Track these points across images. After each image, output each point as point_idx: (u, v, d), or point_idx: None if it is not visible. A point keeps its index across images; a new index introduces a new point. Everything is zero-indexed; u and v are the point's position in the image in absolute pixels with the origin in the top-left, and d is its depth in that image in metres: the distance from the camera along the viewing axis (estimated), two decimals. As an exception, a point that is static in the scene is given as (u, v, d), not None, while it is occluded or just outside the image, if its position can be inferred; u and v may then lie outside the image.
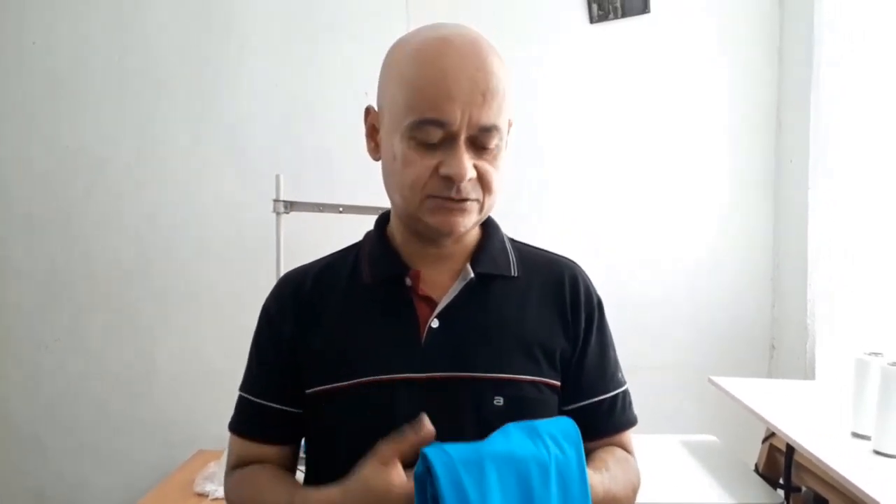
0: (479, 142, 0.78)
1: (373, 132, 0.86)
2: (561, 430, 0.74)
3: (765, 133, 2.38)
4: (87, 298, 2.44)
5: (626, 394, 0.94)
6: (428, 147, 0.77)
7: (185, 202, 2.43)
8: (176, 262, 2.43)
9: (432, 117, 0.76)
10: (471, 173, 0.77)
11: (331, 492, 0.76)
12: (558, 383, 0.87)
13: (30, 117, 2.43)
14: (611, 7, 2.36)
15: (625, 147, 2.39)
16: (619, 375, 0.94)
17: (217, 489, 2.01)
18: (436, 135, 0.76)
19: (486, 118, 0.77)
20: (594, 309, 0.92)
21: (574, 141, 2.40)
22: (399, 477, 0.71)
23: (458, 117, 0.75)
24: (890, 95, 2.05)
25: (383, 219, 0.93)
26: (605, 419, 0.91)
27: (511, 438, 0.71)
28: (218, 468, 2.10)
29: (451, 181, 0.77)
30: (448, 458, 0.67)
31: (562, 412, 0.88)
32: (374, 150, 0.87)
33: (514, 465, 0.68)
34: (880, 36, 2.05)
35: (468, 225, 0.82)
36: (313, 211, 1.88)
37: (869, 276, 2.07)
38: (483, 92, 0.76)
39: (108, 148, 2.42)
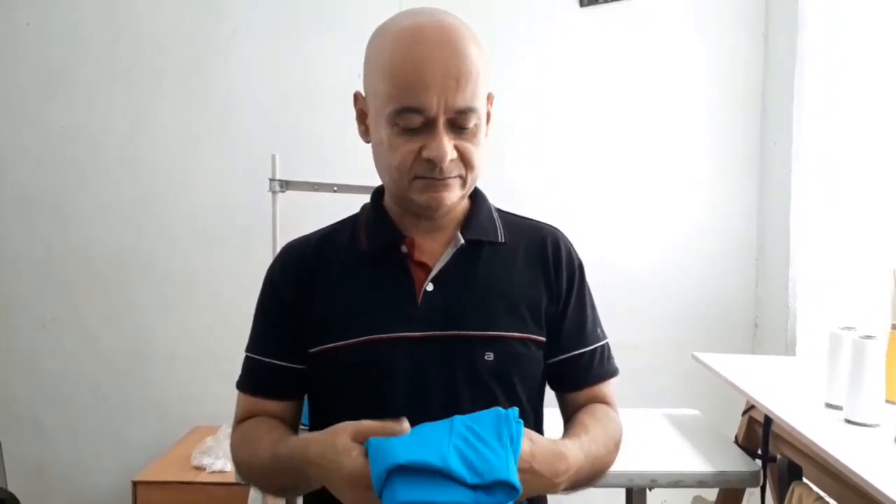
0: (458, 123, 0.84)
1: (362, 116, 0.92)
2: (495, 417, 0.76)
3: (750, 116, 2.42)
4: (82, 279, 2.47)
5: (605, 347, 1.02)
6: (410, 132, 0.83)
7: (178, 184, 2.45)
8: (170, 244, 2.46)
9: (411, 105, 0.82)
10: (451, 154, 0.84)
11: (307, 440, 0.80)
12: (543, 339, 0.94)
13: (23, 99, 2.44)
14: (601, -9, 2.39)
15: (612, 129, 2.43)
16: (599, 331, 1.01)
17: (214, 462, 2.06)
18: (416, 121, 0.82)
19: (462, 102, 0.82)
20: (575, 270, 0.99)
21: (562, 122, 2.43)
22: (354, 457, 0.73)
23: (434, 104, 0.81)
24: (872, 80, 2.09)
25: (379, 192, 0.99)
26: (585, 371, 0.99)
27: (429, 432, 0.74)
28: (215, 443, 2.15)
29: (434, 163, 0.83)
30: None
31: (546, 365, 0.96)
32: (365, 133, 0.93)
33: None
34: (864, 22, 2.09)
35: (454, 199, 0.88)
36: (308, 190, 1.92)
37: (849, 256, 2.13)
38: (456, 77, 0.81)
39: (102, 130, 2.44)
